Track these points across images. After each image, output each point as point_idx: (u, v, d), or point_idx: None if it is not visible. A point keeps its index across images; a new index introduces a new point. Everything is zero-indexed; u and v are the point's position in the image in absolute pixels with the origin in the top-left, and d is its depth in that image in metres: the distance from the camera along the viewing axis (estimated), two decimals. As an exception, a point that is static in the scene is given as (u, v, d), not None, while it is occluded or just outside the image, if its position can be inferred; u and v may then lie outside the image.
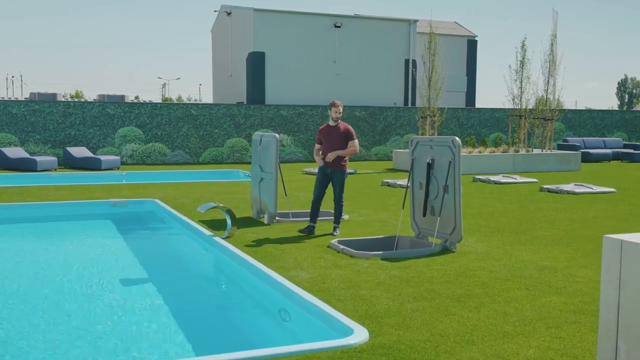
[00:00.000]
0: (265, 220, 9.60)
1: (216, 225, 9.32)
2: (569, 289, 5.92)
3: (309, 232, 8.58)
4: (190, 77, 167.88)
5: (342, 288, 5.90)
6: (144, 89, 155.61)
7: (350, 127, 8.67)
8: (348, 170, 8.79)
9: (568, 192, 13.71)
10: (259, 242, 8.10)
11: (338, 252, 7.52)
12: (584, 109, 32.31)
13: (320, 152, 8.77)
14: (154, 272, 7.38)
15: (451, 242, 7.67)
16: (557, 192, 13.89)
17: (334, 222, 8.77)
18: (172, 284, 7.00)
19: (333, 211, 8.92)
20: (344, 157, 8.63)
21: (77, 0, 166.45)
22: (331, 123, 8.66)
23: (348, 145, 8.58)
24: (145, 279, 7.05)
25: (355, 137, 8.69)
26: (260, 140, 9.88)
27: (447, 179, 7.62)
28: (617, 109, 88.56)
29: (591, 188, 14.12)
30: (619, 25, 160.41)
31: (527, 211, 11.13)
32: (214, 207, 8.39)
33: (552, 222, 9.88)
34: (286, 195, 10.17)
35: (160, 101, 72.89)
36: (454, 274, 6.47)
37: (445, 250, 7.62)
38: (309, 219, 8.88)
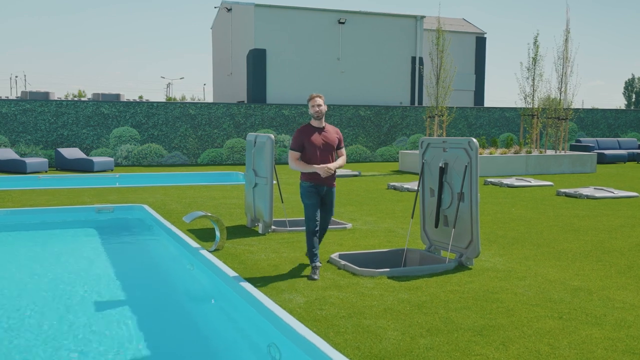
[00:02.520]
0: (260, 230, 8.73)
1: (206, 235, 8.46)
2: (609, 318, 5.02)
3: (315, 272, 6.32)
4: (194, 76, 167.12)
5: (343, 316, 5.02)
6: (148, 89, 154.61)
7: (339, 131, 6.77)
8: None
9: (588, 197, 12.78)
10: (250, 256, 7.22)
11: (339, 268, 6.64)
12: (591, 107, 31.29)
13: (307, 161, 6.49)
14: (129, 289, 6.49)
15: (467, 257, 6.77)
16: (576, 197, 12.96)
17: (314, 262, 6.39)
18: (147, 304, 6.10)
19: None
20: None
21: (78, 0, 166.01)
22: (314, 123, 6.54)
23: (337, 154, 6.71)
24: (118, 300, 6.16)
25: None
26: (255, 142, 9.00)
27: (462, 186, 6.72)
28: (624, 108, 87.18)
29: (612, 192, 13.17)
30: (622, 24, 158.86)
31: (547, 218, 10.21)
32: (202, 217, 7.51)
33: (576, 232, 8.96)
34: (282, 202, 9.28)
35: (164, 101, 72.15)
36: (473, 298, 5.58)
37: (460, 266, 6.73)
38: (308, 256, 6.57)
